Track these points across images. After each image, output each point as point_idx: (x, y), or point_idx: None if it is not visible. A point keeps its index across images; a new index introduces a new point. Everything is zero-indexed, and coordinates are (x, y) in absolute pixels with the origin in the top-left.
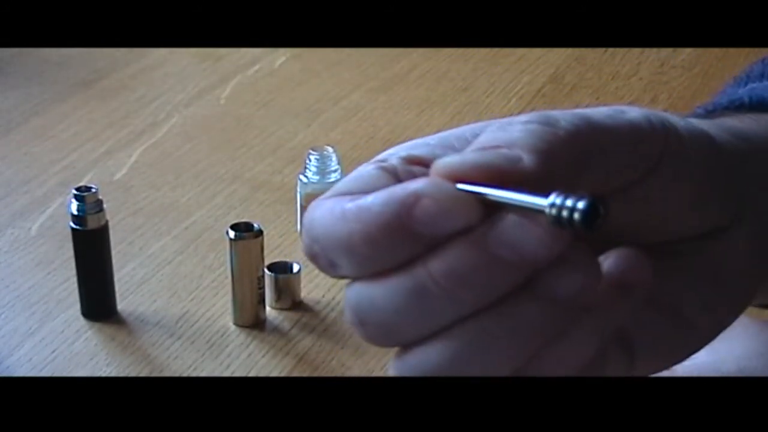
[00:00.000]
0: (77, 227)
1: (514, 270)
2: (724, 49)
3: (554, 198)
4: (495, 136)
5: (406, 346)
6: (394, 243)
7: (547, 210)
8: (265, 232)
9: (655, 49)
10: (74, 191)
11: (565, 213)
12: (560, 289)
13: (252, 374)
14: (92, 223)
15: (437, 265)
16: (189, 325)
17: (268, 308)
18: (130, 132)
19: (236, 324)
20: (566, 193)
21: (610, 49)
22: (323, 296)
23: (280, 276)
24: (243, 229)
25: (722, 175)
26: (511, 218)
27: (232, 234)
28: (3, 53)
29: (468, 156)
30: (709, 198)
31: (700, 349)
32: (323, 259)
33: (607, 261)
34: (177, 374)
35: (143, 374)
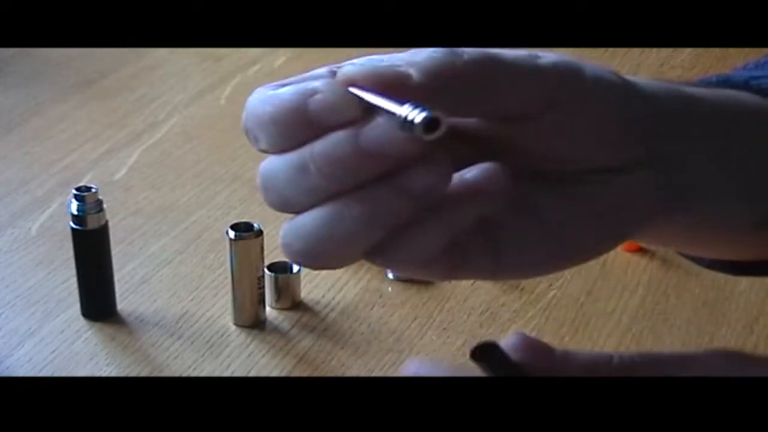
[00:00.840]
0: (77, 227)
1: (375, 162)
2: (724, 49)
3: (406, 107)
4: (405, 56)
5: (294, 214)
6: (292, 126)
7: (398, 115)
8: (265, 232)
9: (655, 49)
10: (74, 191)
11: (409, 119)
12: (414, 183)
13: (252, 374)
14: (92, 223)
15: (317, 148)
16: (189, 325)
17: (268, 308)
18: (130, 132)
19: (236, 324)
20: (418, 104)
21: (610, 49)
22: (323, 296)
23: (280, 276)
24: (243, 229)
25: (630, 118)
26: (379, 120)
27: (232, 234)
28: (3, 53)
29: (366, 65)
30: (613, 136)
31: (566, 267)
32: (250, 133)
33: (471, 170)
34: (177, 374)
35: (143, 374)
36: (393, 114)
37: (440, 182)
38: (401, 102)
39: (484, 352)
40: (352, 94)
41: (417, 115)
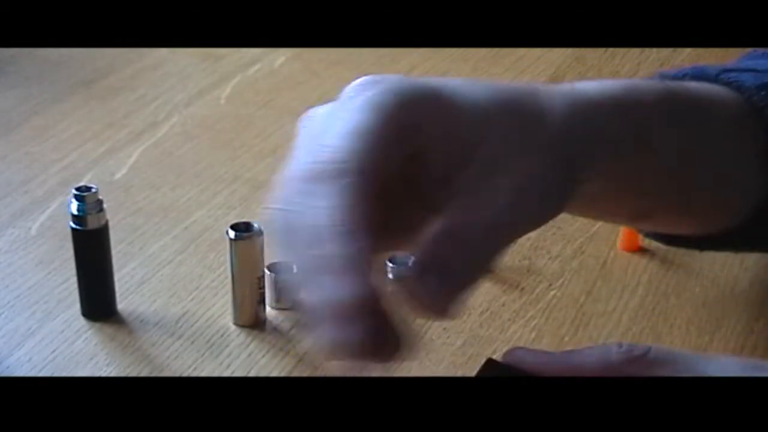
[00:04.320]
0: (77, 227)
1: None
2: (724, 49)
3: None
4: None
5: None
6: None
7: None
8: (265, 232)
9: (655, 49)
10: (74, 191)
11: None
12: None
13: (252, 374)
14: (92, 223)
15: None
16: (189, 325)
17: (268, 308)
18: (130, 132)
19: (236, 324)
20: None
21: (610, 49)
22: None
23: (280, 276)
24: (243, 229)
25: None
26: None
27: (232, 234)
28: (3, 53)
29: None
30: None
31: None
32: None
33: None
34: (177, 374)
35: (143, 374)
36: None
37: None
38: None
39: (492, 370)
40: None
41: None
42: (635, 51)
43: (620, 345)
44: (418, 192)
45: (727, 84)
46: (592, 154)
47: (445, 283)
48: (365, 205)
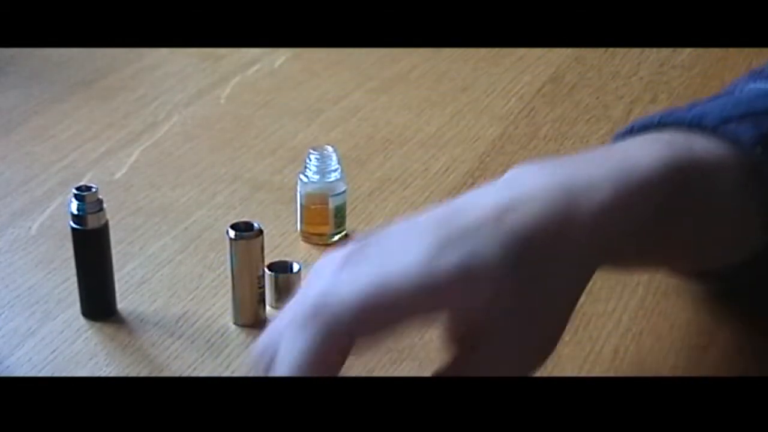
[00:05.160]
0: (77, 227)
1: None
2: (724, 49)
3: None
4: None
5: None
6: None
7: None
8: (265, 232)
9: (655, 49)
10: (74, 191)
11: None
12: None
13: (252, 374)
14: (92, 222)
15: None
16: (189, 325)
17: (268, 308)
18: (130, 132)
19: (236, 324)
20: None
21: (610, 49)
22: None
23: (280, 276)
24: (243, 228)
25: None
26: None
27: (232, 234)
28: (3, 53)
29: None
30: None
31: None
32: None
33: None
34: (177, 374)
35: (143, 374)
36: None
37: None
38: None
39: None
40: None
41: None
42: (635, 51)
43: None
44: None
45: (725, 137)
46: (617, 254)
47: None
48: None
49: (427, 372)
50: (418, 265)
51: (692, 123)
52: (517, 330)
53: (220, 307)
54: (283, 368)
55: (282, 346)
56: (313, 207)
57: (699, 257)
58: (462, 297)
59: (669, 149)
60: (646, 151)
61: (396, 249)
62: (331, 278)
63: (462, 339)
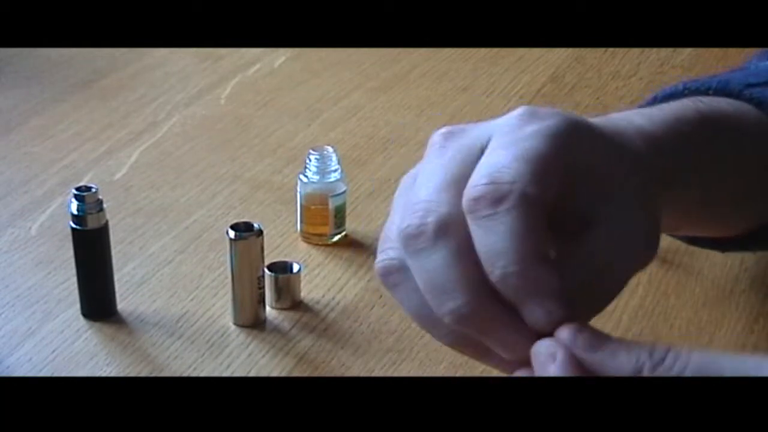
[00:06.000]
0: (77, 227)
1: None
2: (724, 49)
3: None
4: None
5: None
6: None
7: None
8: (265, 232)
9: (655, 49)
10: (74, 191)
11: None
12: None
13: (252, 374)
14: (92, 222)
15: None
16: (189, 325)
17: (268, 308)
18: (130, 132)
19: (236, 324)
20: None
21: (610, 49)
22: (323, 296)
23: (280, 276)
24: (243, 229)
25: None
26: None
27: (232, 234)
28: (3, 53)
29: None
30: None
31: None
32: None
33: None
34: (177, 374)
35: (143, 374)
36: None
37: None
38: None
39: None
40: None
41: None
42: (635, 51)
43: (651, 353)
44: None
45: (750, 100)
46: (666, 185)
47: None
48: (541, 231)
49: (427, 372)
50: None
51: (718, 88)
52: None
53: (220, 307)
54: None
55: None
56: (313, 207)
57: (714, 214)
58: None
59: (698, 106)
60: (676, 106)
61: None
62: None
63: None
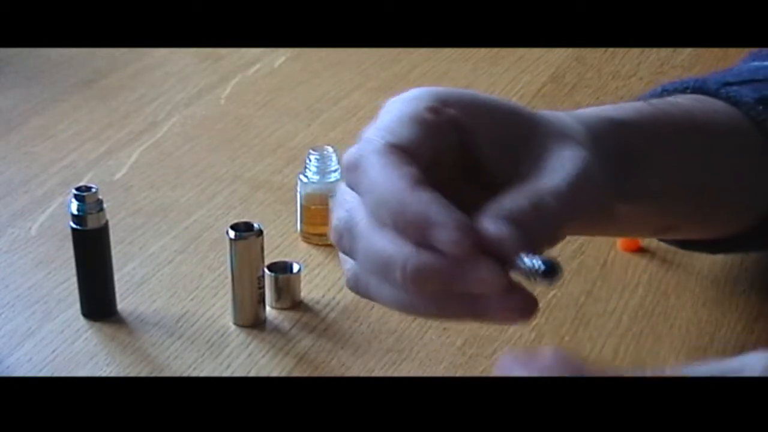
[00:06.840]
0: (77, 227)
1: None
2: (724, 49)
3: (529, 260)
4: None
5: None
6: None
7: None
8: (265, 232)
9: (655, 49)
10: (74, 191)
11: (535, 268)
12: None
13: (252, 374)
14: (92, 222)
15: (417, 265)
16: (189, 325)
17: (268, 308)
18: (130, 132)
19: (236, 324)
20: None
21: (610, 49)
22: (323, 296)
23: (280, 276)
24: (243, 229)
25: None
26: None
27: (232, 234)
28: (3, 53)
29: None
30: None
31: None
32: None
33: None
34: (177, 374)
35: (143, 374)
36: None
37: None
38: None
39: None
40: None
41: (540, 265)
42: (635, 51)
43: None
44: (475, 176)
45: (727, 99)
46: (626, 169)
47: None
48: (411, 169)
49: (427, 372)
50: None
51: (695, 87)
52: None
53: (220, 307)
54: None
55: None
56: (313, 207)
57: (704, 214)
58: None
59: (657, 102)
60: (633, 103)
61: None
62: None
63: None
